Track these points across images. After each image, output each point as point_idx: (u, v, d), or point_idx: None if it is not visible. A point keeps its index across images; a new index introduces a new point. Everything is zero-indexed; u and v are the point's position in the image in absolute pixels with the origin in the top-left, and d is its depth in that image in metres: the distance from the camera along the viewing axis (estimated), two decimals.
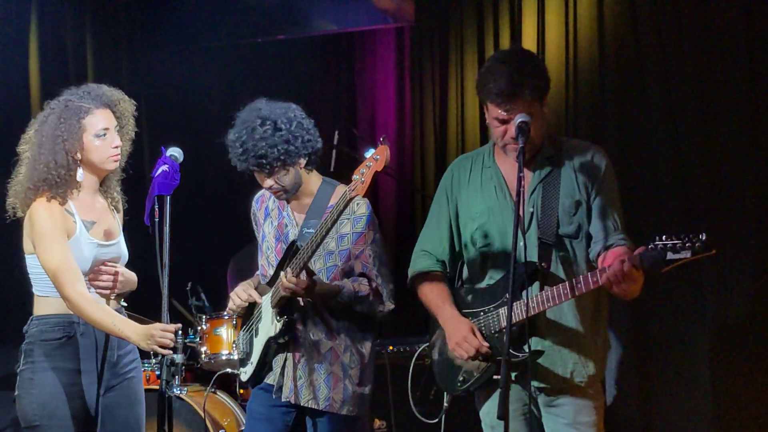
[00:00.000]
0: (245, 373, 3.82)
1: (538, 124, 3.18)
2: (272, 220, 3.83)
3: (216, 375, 5.16)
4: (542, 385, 3.25)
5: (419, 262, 3.47)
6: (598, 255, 3.21)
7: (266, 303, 3.71)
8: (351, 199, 3.28)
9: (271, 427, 3.71)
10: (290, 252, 3.59)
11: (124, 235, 3.61)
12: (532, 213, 3.25)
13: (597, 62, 5.77)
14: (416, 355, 4.75)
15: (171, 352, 3.24)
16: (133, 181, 3.73)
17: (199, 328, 5.41)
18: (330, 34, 6.99)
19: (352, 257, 3.65)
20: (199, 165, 6.32)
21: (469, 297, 3.34)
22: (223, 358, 5.30)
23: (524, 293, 3.14)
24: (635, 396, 5.49)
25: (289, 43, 7.02)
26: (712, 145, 5.38)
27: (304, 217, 3.71)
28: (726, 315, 5.26)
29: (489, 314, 3.25)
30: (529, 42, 5.97)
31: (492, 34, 6.21)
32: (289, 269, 3.47)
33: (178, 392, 4.97)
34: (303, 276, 3.45)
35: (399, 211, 6.74)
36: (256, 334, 3.79)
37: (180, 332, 3.30)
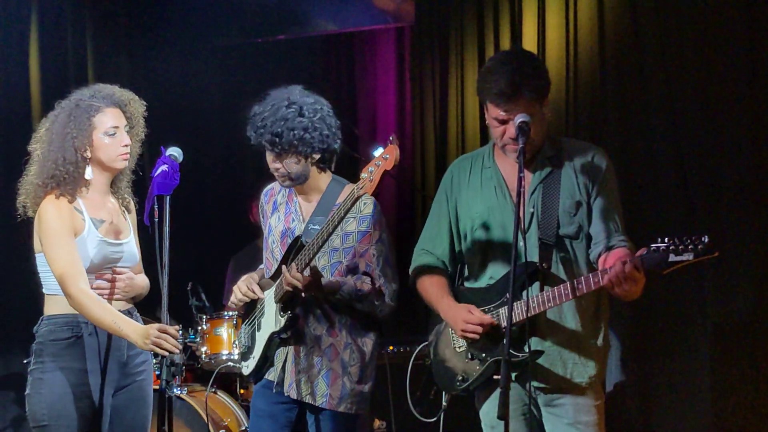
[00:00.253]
0: (247, 367, 3.83)
1: (538, 125, 3.18)
2: (280, 214, 3.83)
3: (215, 373, 5.16)
4: (542, 385, 3.25)
5: (420, 259, 3.48)
6: (599, 256, 3.21)
7: (269, 297, 3.72)
8: (359, 197, 3.28)
9: (274, 424, 3.72)
10: (294, 247, 3.60)
11: None
12: (533, 213, 3.26)
13: (597, 63, 5.76)
14: (415, 354, 4.75)
15: (167, 353, 3.24)
16: (133, 180, 3.73)
17: (199, 328, 5.41)
18: (330, 34, 6.99)
19: (357, 255, 3.66)
20: (199, 165, 6.32)
21: (469, 296, 3.34)
22: (224, 358, 5.30)
23: (524, 293, 3.14)
24: (636, 396, 5.49)
25: (290, 43, 7.02)
26: (713, 146, 5.38)
27: (311, 214, 3.71)
28: (727, 315, 5.26)
29: (489, 314, 3.25)
30: (529, 42, 5.97)
31: (492, 34, 6.20)
32: (293, 265, 3.49)
33: (178, 392, 5.02)
34: (307, 272, 3.46)
35: (399, 211, 6.75)
36: (259, 329, 3.79)
37: (180, 332, 3.31)
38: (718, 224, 5.26)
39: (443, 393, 3.51)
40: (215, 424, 5.02)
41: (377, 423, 5.67)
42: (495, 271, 3.30)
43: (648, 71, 5.60)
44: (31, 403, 3.37)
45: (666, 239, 2.92)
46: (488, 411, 3.34)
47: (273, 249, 3.80)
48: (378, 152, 3.27)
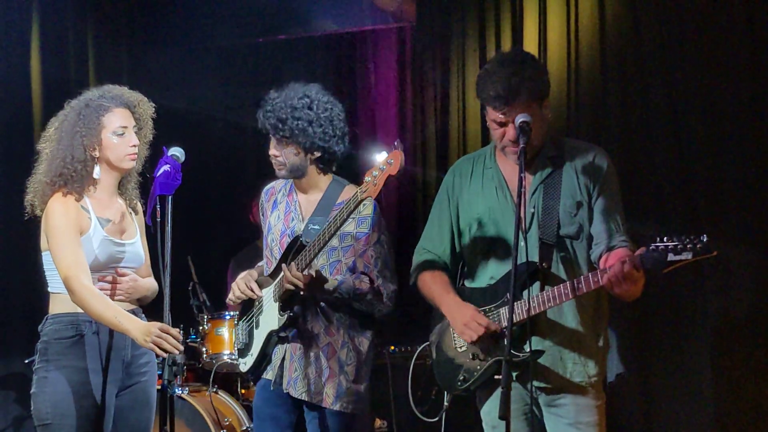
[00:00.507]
0: (245, 364, 3.85)
1: (537, 126, 3.19)
2: (279, 213, 3.85)
3: (213, 373, 5.17)
4: (543, 385, 3.25)
5: (421, 258, 3.49)
6: (600, 256, 3.21)
7: (268, 295, 3.74)
8: (361, 201, 3.32)
9: (276, 426, 3.74)
10: (294, 246, 3.62)
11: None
12: (533, 213, 3.26)
13: (599, 62, 5.76)
14: (416, 354, 4.75)
15: (164, 353, 3.24)
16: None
17: (200, 328, 5.41)
18: (331, 33, 6.99)
19: (356, 255, 3.68)
20: (200, 165, 6.31)
21: (470, 296, 3.34)
22: (225, 358, 5.30)
23: (525, 293, 3.15)
24: (636, 396, 5.49)
25: (291, 42, 7.02)
26: (714, 146, 5.37)
27: (311, 213, 3.74)
28: (727, 314, 5.26)
29: (490, 314, 3.25)
30: (530, 42, 5.97)
31: (493, 33, 6.20)
32: (293, 264, 3.51)
33: (179, 392, 5.02)
34: (308, 272, 3.49)
35: (400, 211, 6.74)
36: (257, 326, 3.81)
37: (181, 332, 3.32)
38: (719, 224, 5.26)
39: (445, 393, 3.51)
40: (217, 424, 5.02)
41: (378, 423, 5.67)
42: (496, 271, 3.31)
43: (649, 71, 5.59)
44: (36, 402, 3.39)
45: (665, 238, 2.93)
46: (490, 411, 3.34)
47: (272, 247, 3.82)
48: (382, 157, 3.28)
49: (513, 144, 3.19)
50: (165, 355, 3.24)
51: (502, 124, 3.20)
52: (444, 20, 6.45)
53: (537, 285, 3.21)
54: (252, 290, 3.75)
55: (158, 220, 3.35)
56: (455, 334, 3.35)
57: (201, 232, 6.67)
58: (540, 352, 3.20)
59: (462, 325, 3.24)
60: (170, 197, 3.34)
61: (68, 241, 3.35)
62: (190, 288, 5.61)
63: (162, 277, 3.28)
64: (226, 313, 5.38)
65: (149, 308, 3.65)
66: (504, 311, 3.19)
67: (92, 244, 3.41)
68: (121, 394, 3.48)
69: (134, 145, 3.50)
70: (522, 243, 3.13)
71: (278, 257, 3.72)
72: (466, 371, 3.31)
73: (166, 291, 3.27)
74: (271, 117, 3.66)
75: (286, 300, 3.63)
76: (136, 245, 3.57)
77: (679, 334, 5.41)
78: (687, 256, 2.90)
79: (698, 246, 2.89)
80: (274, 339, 3.70)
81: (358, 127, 6.71)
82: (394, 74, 6.83)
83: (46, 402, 3.36)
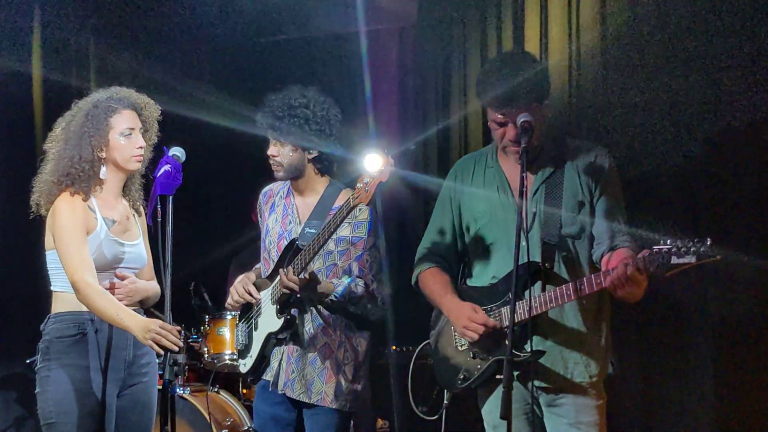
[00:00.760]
0: (244, 365, 3.89)
1: (538, 126, 3.19)
2: (277, 215, 3.89)
3: (213, 373, 5.17)
4: (544, 385, 3.25)
5: (423, 258, 3.50)
6: (602, 256, 3.21)
7: (266, 298, 3.78)
8: (354, 207, 3.38)
9: (276, 425, 3.79)
10: (290, 250, 3.67)
11: None
12: (535, 213, 3.26)
13: (600, 62, 5.75)
14: (417, 354, 4.76)
15: (164, 350, 3.25)
16: None
17: (202, 328, 5.41)
18: (331, 34, 6.98)
19: (351, 259, 3.72)
20: (201, 165, 6.31)
21: (472, 295, 3.34)
22: (226, 358, 5.30)
23: (527, 293, 3.14)
24: (637, 396, 5.48)
25: (291, 43, 7.01)
26: (716, 146, 5.36)
27: (308, 216, 3.78)
28: (729, 316, 5.25)
29: (491, 313, 3.25)
30: (531, 41, 5.96)
31: (495, 33, 6.19)
32: (290, 268, 3.55)
33: (181, 392, 5.03)
34: (303, 275, 3.54)
35: (401, 211, 6.73)
36: (256, 328, 3.85)
37: (182, 332, 3.32)
38: (720, 223, 5.25)
39: (445, 391, 3.52)
40: (218, 424, 5.03)
41: (380, 423, 5.68)
42: (497, 271, 3.31)
43: (650, 70, 5.59)
44: (40, 401, 3.41)
45: (668, 241, 2.92)
46: (491, 410, 3.34)
47: (270, 250, 3.86)
48: (372, 163, 3.30)
49: (514, 144, 3.19)
50: (161, 351, 3.25)
51: (503, 125, 3.21)
52: (444, 20, 6.45)
53: (539, 285, 3.20)
54: (250, 294, 3.78)
55: (159, 219, 3.36)
56: (455, 333, 3.35)
57: (202, 232, 6.67)
58: (541, 353, 3.20)
59: (462, 326, 3.24)
60: (171, 197, 3.35)
61: (76, 240, 3.37)
62: (191, 288, 5.61)
63: (162, 276, 3.30)
64: (228, 312, 5.38)
65: (151, 308, 3.66)
66: (505, 311, 3.19)
67: (98, 244, 3.42)
68: (123, 394, 3.49)
69: (140, 147, 3.52)
70: (523, 243, 3.13)
71: (276, 260, 3.77)
72: (466, 370, 3.31)
73: (167, 291, 3.28)
74: (268, 116, 3.71)
75: (283, 303, 3.68)
76: (139, 246, 3.59)
77: (679, 334, 5.41)
78: (691, 259, 2.90)
79: (702, 249, 2.88)
80: (272, 341, 3.75)
81: (359, 127, 6.70)
82: (394, 74, 6.82)
83: (49, 401, 3.37)
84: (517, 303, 3.08)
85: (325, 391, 3.68)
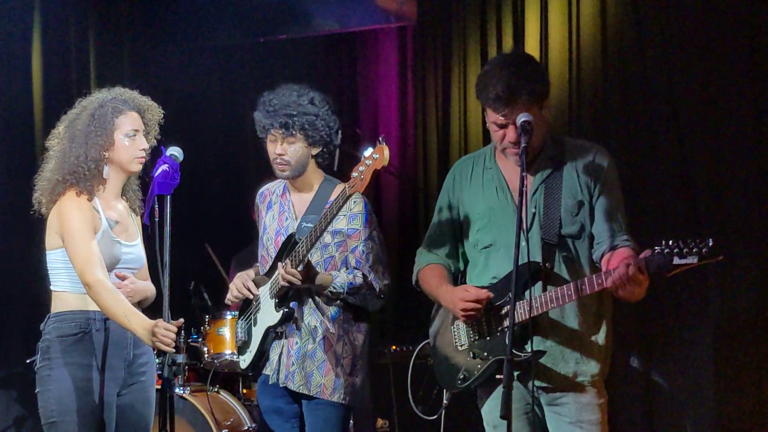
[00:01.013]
0: (244, 361, 3.93)
1: (538, 127, 3.18)
2: (274, 213, 3.94)
3: (211, 372, 5.17)
4: (544, 385, 3.25)
5: (422, 258, 3.50)
6: (602, 256, 3.20)
7: (264, 293, 3.82)
8: (350, 195, 3.40)
9: (280, 418, 3.84)
10: (288, 244, 3.71)
11: None
12: (534, 213, 3.26)
13: (600, 61, 5.76)
14: (416, 353, 4.76)
15: (166, 348, 3.25)
16: None
17: (202, 327, 5.42)
18: (332, 33, 6.99)
19: (348, 251, 3.77)
20: (200, 164, 6.32)
21: None
22: (226, 358, 5.31)
23: (527, 293, 3.14)
24: (639, 396, 5.49)
25: (291, 42, 7.01)
26: (717, 147, 5.36)
27: (304, 212, 3.82)
28: (730, 316, 5.25)
29: (491, 313, 3.24)
30: (532, 41, 5.97)
31: (495, 32, 6.20)
32: (288, 260, 3.59)
33: (181, 392, 5.03)
34: (301, 267, 3.56)
35: (401, 211, 6.74)
36: (255, 323, 3.88)
37: (182, 332, 3.33)
38: (720, 222, 5.25)
39: (444, 391, 3.52)
40: (218, 424, 5.03)
41: (380, 422, 5.68)
42: (498, 271, 3.30)
43: (651, 70, 5.59)
44: (41, 400, 3.41)
45: (670, 241, 2.91)
46: (491, 410, 3.34)
47: (268, 246, 3.91)
48: (368, 152, 3.35)
49: (513, 146, 3.19)
50: (170, 350, 3.25)
51: (503, 126, 3.20)
52: (445, 20, 6.45)
53: (539, 285, 3.20)
54: (249, 290, 3.81)
55: (156, 219, 3.36)
56: (455, 332, 3.35)
57: (201, 231, 6.67)
58: (541, 353, 3.19)
59: (459, 311, 3.24)
60: (169, 197, 3.35)
61: (86, 238, 3.37)
62: (191, 287, 5.62)
63: (161, 276, 3.29)
64: (228, 312, 5.39)
65: (150, 308, 3.66)
66: (506, 310, 3.19)
67: (101, 244, 3.42)
68: (122, 394, 3.50)
69: (143, 149, 3.53)
70: (523, 243, 3.12)
71: (274, 256, 3.80)
72: (466, 370, 3.31)
73: (165, 291, 3.27)
74: (277, 116, 3.72)
75: (282, 296, 3.72)
76: (138, 247, 3.60)
77: (681, 332, 5.41)
78: (693, 259, 2.88)
79: (704, 250, 2.87)
80: (271, 335, 3.79)
81: (359, 127, 6.71)
82: (395, 74, 6.82)
83: (50, 400, 3.37)
84: (517, 303, 3.08)
85: (324, 384, 3.71)
